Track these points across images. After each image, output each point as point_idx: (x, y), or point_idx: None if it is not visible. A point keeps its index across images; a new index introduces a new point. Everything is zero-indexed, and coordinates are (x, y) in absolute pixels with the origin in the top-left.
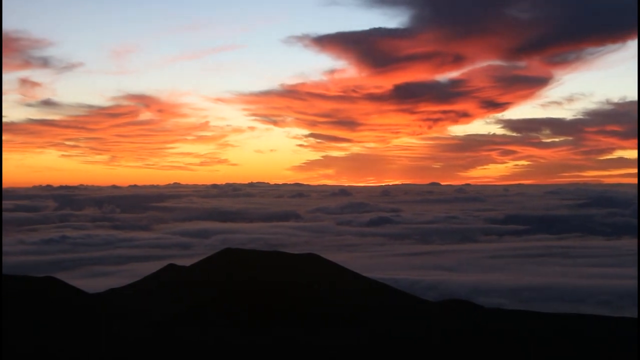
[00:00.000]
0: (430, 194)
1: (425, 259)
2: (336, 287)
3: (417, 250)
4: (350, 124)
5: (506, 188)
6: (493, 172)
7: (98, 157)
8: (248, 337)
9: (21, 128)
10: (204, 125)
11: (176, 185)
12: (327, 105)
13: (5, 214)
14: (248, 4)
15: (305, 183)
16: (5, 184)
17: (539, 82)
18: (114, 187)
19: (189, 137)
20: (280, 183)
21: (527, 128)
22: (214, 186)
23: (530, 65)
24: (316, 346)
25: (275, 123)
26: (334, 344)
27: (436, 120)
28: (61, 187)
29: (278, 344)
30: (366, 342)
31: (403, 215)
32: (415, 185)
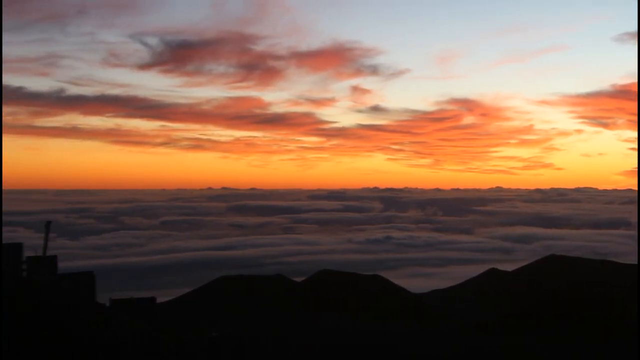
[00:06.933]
0: None
1: None
2: None
3: None
4: None
5: None
6: None
7: (422, 161)
8: (566, 347)
9: (352, 133)
10: (528, 129)
11: (498, 189)
12: None
13: (335, 214)
14: (575, 2)
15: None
16: (337, 185)
17: None
18: (437, 190)
19: (512, 141)
20: (610, 189)
21: None
22: (538, 191)
23: None
24: None
25: (605, 125)
26: None
27: None
28: (387, 189)
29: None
30: None
31: None
32: None
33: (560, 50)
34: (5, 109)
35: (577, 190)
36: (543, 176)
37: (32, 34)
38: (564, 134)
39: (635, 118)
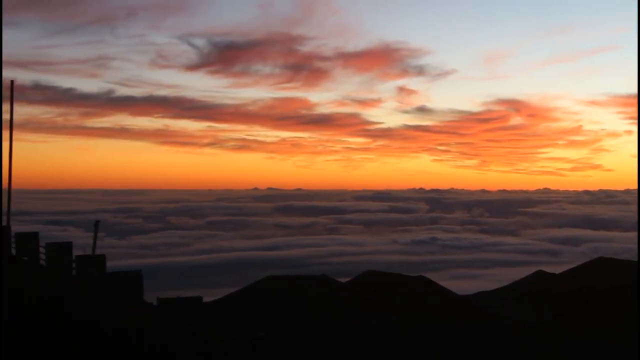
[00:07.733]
0: None
1: None
2: None
3: None
4: None
5: None
6: None
7: (468, 162)
8: (612, 350)
9: (397, 133)
10: (577, 130)
11: (546, 190)
12: None
13: (381, 215)
14: (624, 2)
15: None
16: (382, 186)
17: None
18: (483, 191)
19: (561, 142)
20: None
21: None
22: (586, 192)
23: None
24: None
25: None
26: None
27: None
28: (432, 190)
29: None
30: None
31: None
32: None
33: (610, 50)
34: (56, 110)
35: (627, 192)
36: (592, 177)
37: (83, 36)
38: (613, 134)
39: None
